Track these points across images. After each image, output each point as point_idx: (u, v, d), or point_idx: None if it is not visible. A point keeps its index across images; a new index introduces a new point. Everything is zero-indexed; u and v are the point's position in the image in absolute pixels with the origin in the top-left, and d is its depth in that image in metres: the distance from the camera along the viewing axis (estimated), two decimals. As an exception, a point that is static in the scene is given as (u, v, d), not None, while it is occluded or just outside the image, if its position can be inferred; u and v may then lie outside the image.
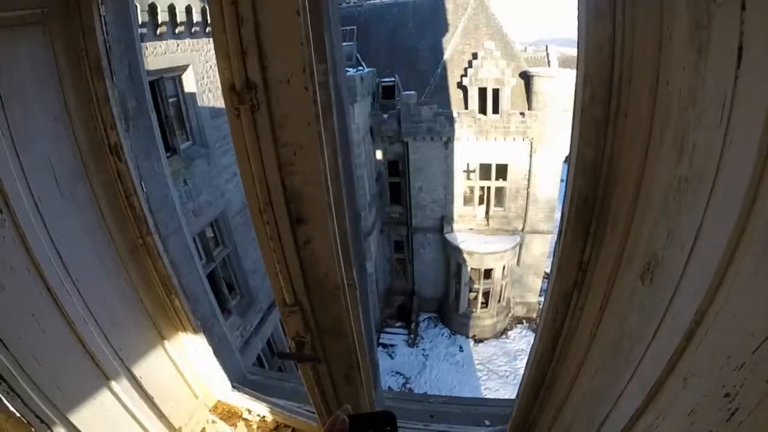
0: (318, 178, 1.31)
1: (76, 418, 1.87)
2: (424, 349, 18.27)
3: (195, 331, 2.43)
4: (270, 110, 1.22)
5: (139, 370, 2.22)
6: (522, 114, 15.29)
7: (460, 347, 18.18)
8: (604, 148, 1.21)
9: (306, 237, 1.44)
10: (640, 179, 1.11)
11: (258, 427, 2.57)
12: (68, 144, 1.83)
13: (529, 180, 16.41)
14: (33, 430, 1.70)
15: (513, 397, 2.12)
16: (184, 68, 8.14)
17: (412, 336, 18.76)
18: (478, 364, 17.38)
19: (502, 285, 17.76)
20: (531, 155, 15.93)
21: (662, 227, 1.00)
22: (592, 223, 1.33)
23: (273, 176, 1.31)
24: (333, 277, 1.52)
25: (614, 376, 1.26)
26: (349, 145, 1.44)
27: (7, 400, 1.61)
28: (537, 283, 18.75)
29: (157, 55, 7.33)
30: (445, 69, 16.79)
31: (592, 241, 1.36)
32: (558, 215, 17.15)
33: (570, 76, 14.60)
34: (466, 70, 16.15)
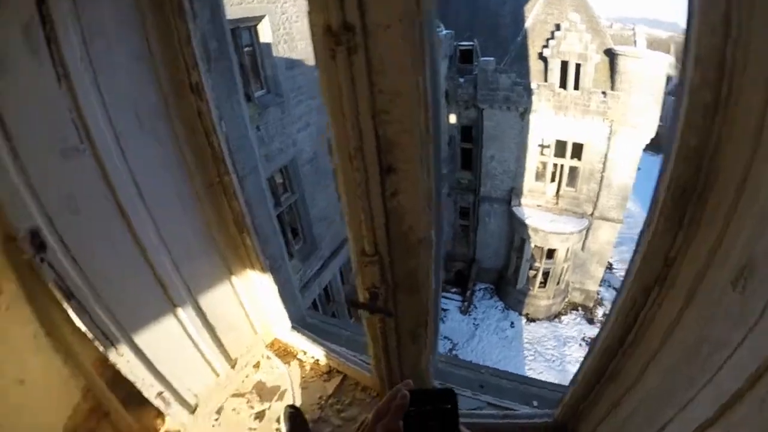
0: (413, 128, 1.26)
1: (139, 339, 2.00)
2: (475, 319, 18.28)
3: (263, 270, 2.50)
4: (368, 54, 1.16)
5: (204, 301, 2.34)
6: (604, 93, 14.21)
7: (512, 323, 18.01)
8: (710, 135, 1.07)
9: (394, 188, 1.40)
10: (747, 173, 0.98)
11: (311, 368, 2.67)
12: (150, 81, 1.87)
13: (604, 163, 15.41)
14: (97, 343, 1.83)
15: (556, 381, 2.03)
16: (260, 18, 8.28)
17: (465, 303, 18.78)
18: (526, 343, 17.18)
19: (563, 267, 17.17)
20: (609, 137, 14.88)
21: (766, 230, 0.88)
22: (686, 216, 1.20)
23: (366, 123, 1.27)
24: (416, 231, 1.49)
25: (687, 380, 1.16)
26: (438, 100, 1.37)
27: (76, 314, 1.73)
28: (599, 271, 17.93)
29: (233, 5, 7.49)
30: (525, 38, 15.83)
31: (683, 236, 1.23)
32: (629, 205, 16.03)
33: (659, 60, 13.41)
34: (547, 40, 15.16)
